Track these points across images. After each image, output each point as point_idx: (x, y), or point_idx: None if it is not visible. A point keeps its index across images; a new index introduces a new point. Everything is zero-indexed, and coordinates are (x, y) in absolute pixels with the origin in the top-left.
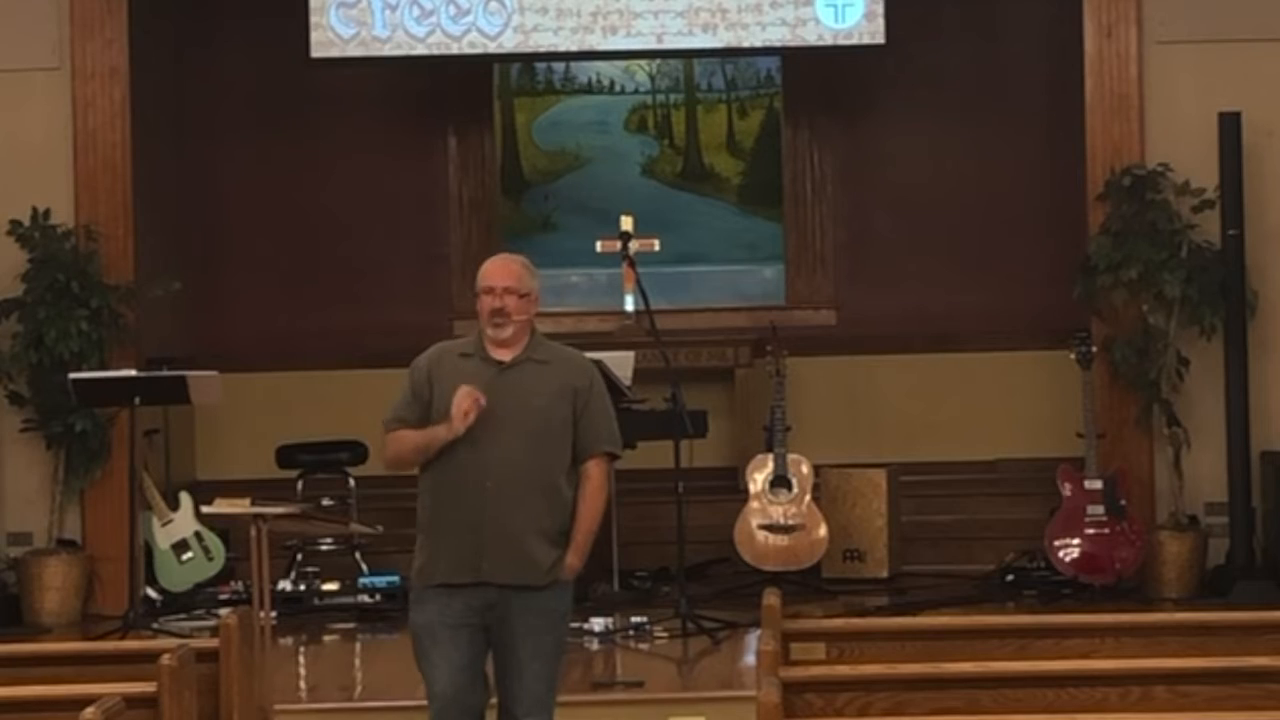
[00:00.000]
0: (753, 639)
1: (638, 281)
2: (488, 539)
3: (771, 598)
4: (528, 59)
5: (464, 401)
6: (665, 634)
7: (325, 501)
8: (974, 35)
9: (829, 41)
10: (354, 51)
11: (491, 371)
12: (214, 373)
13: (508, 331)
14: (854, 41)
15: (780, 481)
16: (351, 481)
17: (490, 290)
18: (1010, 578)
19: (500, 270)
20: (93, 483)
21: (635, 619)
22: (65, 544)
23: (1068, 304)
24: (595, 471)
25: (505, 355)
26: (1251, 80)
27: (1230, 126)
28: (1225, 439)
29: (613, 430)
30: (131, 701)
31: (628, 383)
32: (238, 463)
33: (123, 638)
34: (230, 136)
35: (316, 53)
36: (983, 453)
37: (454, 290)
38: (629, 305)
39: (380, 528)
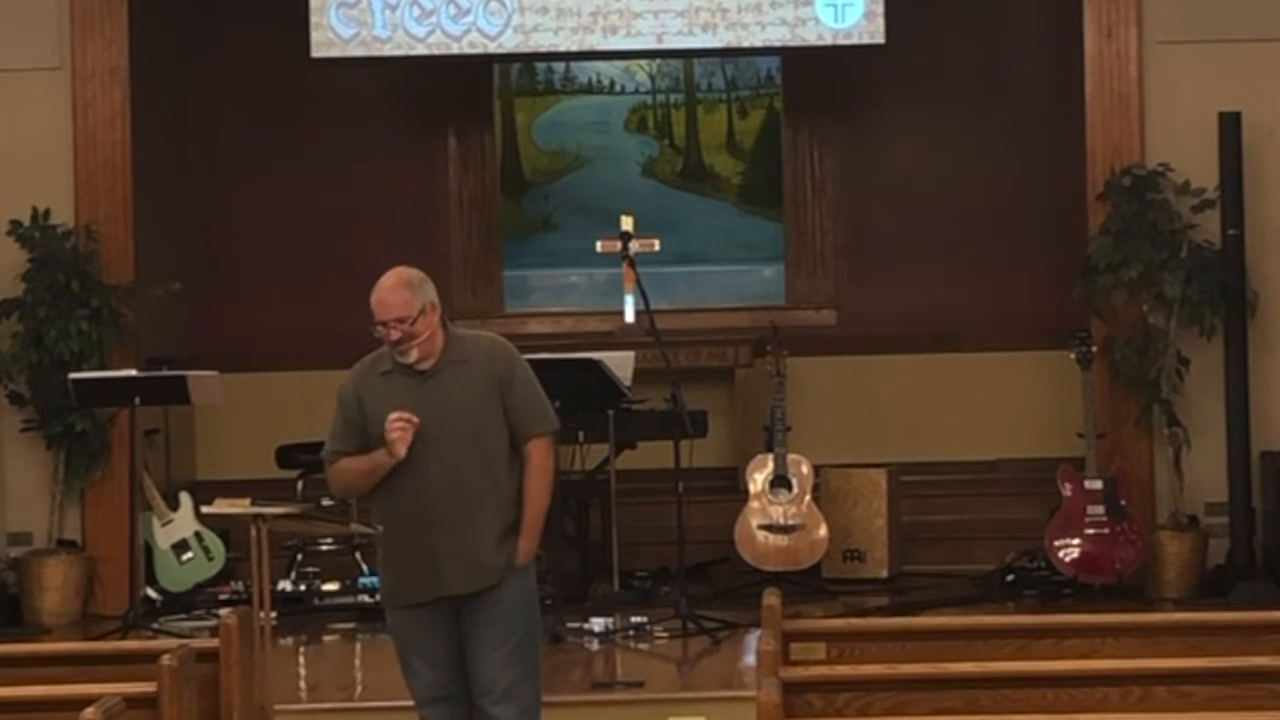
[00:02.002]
0: (753, 639)
1: (638, 281)
2: (442, 557)
3: (771, 598)
4: (528, 59)
5: (394, 430)
6: (665, 634)
7: (325, 501)
8: (974, 35)
9: (829, 41)
10: (354, 51)
11: (413, 384)
12: (214, 373)
13: (413, 355)
14: (854, 41)
15: (780, 481)
16: None
17: (383, 324)
18: (1010, 578)
19: (383, 305)
20: (93, 483)
21: (635, 619)
22: (65, 544)
23: (1068, 304)
24: (535, 453)
25: (424, 365)
26: (1251, 80)
27: (1230, 126)
28: (1225, 439)
29: (543, 409)
30: (131, 702)
31: (628, 383)
32: (238, 463)
33: (123, 638)
34: (230, 136)
35: (316, 53)
36: (983, 453)
37: (454, 290)
38: (629, 310)
39: (381, 528)
